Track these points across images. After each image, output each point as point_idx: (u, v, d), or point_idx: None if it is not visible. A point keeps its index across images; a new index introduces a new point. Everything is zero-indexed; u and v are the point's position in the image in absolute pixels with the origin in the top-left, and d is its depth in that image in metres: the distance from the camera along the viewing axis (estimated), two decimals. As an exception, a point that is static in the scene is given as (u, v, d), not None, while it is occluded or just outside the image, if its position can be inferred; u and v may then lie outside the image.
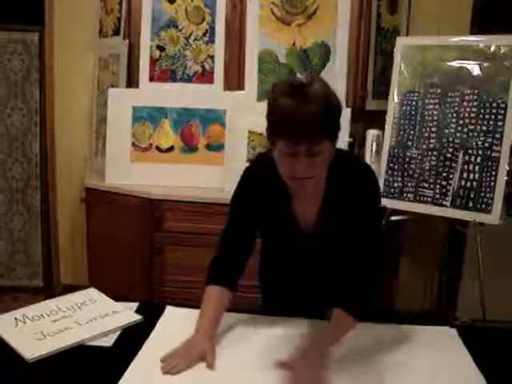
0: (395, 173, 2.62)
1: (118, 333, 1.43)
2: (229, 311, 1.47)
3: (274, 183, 1.40)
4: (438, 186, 2.50)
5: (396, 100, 2.63)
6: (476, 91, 2.43)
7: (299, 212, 1.46)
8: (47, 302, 1.59)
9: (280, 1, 2.74)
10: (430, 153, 2.53)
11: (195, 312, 1.44)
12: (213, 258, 1.50)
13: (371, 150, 2.63)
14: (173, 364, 1.25)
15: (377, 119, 2.74)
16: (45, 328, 1.42)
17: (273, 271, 1.64)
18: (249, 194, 1.49)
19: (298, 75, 1.16)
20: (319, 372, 1.23)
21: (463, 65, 2.47)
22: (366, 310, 1.37)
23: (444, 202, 2.49)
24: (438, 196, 2.50)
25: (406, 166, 2.59)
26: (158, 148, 2.89)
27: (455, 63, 2.49)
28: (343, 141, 2.69)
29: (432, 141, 2.53)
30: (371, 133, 2.67)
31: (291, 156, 1.27)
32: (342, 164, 1.40)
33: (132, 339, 1.39)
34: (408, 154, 2.59)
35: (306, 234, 1.47)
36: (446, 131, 2.49)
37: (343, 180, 1.40)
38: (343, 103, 2.71)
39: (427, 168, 2.54)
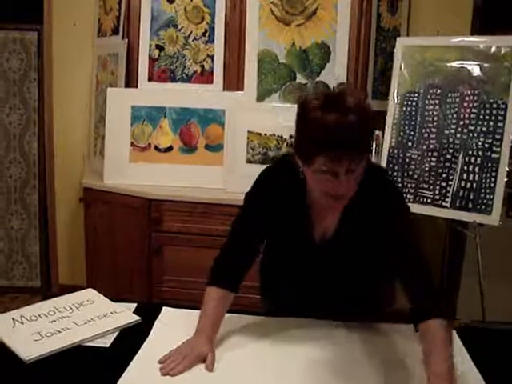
0: (395, 173, 2.61)
1: (116, 333, 1.42)
2: (229, 312, 1.46)
3: (293, 190, 1.36)
4: (437, 187, 2.50)
5: (396, 100, 2.62)
6: (476, 92, 2.42)
7: (316, 223, 1.43)
8: (45, 302, 1.59)
9: (280, 1, 2.74)
10: (429, 153, 2.53)
11: (191, 313, 1.44)
12: (216, 258, 1.47)
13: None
14: (172, 365, 1.24)
15: (377, 120, 2.73)
16: (42, 328, 1.41)
17: (277, 276, 1.60)
18: (264, 196, 1.44)
19: (331, 86, 1.12)
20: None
21: (463, 65, 2.47)
22: (441, 306, 1.30)
23: (444, 203, 2.48)
24: (437, 197, 2.50)
25: (405, 166, 2.59)
26: (156, 148, 2.89)
27: (455, 64, 2.49)
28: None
29: (432, 141, 2.53)
30: (371, 133, 2.66)
31: (331, 174, 1.20)
32: (366, 177, 1.30)
33: (130, 340, 1.38)
34: (408, 154, 2.58)
35: (319, 245, 1.44)
36: (446, 132, 2.49)
37: (365, 193, 1.32)
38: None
39: (427, 169, 2.53)
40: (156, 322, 1.50)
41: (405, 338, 1.44)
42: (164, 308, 1.58)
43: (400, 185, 2.59)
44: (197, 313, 1.45)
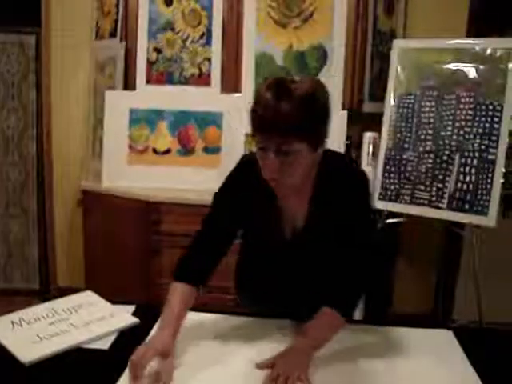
0: (392, 175, 2.62)
1: (115, 336, 1.42)
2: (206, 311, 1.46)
3: (261, 186, 1.35)
4: (434, 189, 2.51)
5: (392, 102, 2.63)
6: (472, 94, 2.43)
7: (286, 217, 1.43)
8: (44, 304, 1.58)
9: (277, 3, 2.75)
10: (426, 155, 2.54)
11: (192, 315, 1.44)
12: (183, 253, 1.44)
13: (368, 153, 2.63)
14: (135, 367, 1.17)
15: (373, 122, 2.74)
16: (41, 331, 1.41)
17: (251, 273, 1.60)
18: (231, 194, 1.45)
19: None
20: (305, 358, 1.25)
21: (459, 67, 2.48)
22: (352, 309, 1.37)
23: (440, 205, 2.49)
24: (434, 198, 2.51)
25: (402, 168, 2.60)
26: (154, 150, 2.89)
27: (451, 66, 2.50)
28: (340, 143, 2.70)
29: (428, 143, 2.53)
30: (368, 135, 2.68)
31: (263, 151, 1.25)
32: (331, 165, 1.38)
33: (129, 342, 1.38)
34: (404, 156, 2.59)
35: (290, 239, 1.44)
36: (443, 134, 2.50)
37: (332, 181, 1.37)
38: (339, 105, 2.73)
39: (423, 170, 2.54)
40: (156, 324, 1.50)
41: (401, 341, 1.45)
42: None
43: (397, 186, 2.60)
44: (197, 315, 1.46)
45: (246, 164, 1.45)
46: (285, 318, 1.51)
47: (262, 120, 1.22)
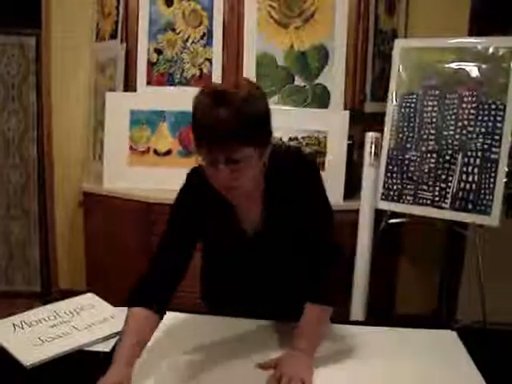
0: (394, 175, 2.61)
1: (117, 338, 1.41)
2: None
3: (212, 192, 1.30)
4: (437, 188, 2.50)
5: (395, 102, 2.63)
6: (474, 93, 2.43)
7: (243, 217, 1.41)
8: (45, 307, 1.58)
9: (277, 4, 2.74)
10: (429, 155, 2.53)
11: (196, 317, 1.43)
12: (140, 276, 1.37)
13: (370, 153, 2.62)
14: None
15: (375, 121, 2.73)
16: (43, 333, 1.41)
17: (218, 280, 1.57)
18: (186, 207, 1.42)
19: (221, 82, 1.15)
20: (308, 359, 1.26)
21: (461, 67, 2.47)
22: (332, 295, 1.36)
23: (443, 204, 2.48)
24: (437, 198, 2.50)
25: (405, 168, 2.59)
26: (155, 151, 2.89)
27: (453, 65, 2.49)
28: (342, 143, 2.69)
29: (431, 143, 2.53)
30: (370, 135, 2.66)
31: (212, 165, 1.21)
32: (279, 161, 1.34)
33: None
34: (407, 156, 2.58)
35: (251, 238, 1.42)
36: (445, 133, 2.49)
37: (282, 176, 1.35)
38: (341, 105, 2.73)
39: (426, 170, 2.53)
40: (160, 325, 1.49)
41: (405, 342, 1.44)
42: (167, 312, 1.58)
43: (399, 186, 2.60)
44: (199, 317, 1.45)
45: (194, 178, 1.43)
46: (257, 318, 1.51)
47: (204, 133, 1.18)
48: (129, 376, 1.19)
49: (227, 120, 1.14)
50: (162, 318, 1.34)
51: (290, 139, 2.72)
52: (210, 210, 1.40)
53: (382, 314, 2.85)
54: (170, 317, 1.48)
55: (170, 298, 1.36)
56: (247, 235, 1.42)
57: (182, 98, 2.84)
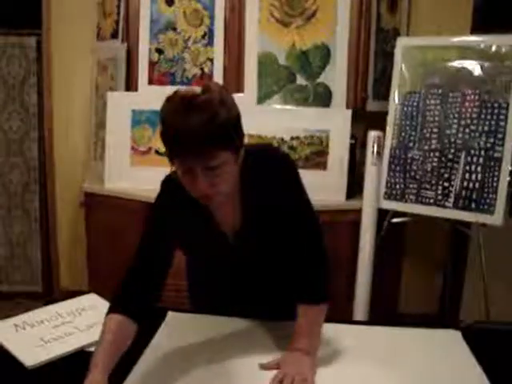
0: (397, 174, 2.60)
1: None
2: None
3: (188, 201, 1.28)
4: (440, 187, 2.49)
5: (397, 101, 2.62)
6: (477, 91, 2.41)
7: (222, 221, 1.38)
8: (47, 307, 1.58)
9: (279, 2, 2.73)
10: (431, 154, 2.52)
11: (198, 317, 1.43)
12: (119, 282, 1.35)
13: (372, 152, 2.61)
14: None
15: (378, 120, 2.72)
16: (45, 334, 1.41)
17: (204, 285, 1.57)
18: (163, 215, 1.40)
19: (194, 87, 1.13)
20: (310, 360, 1.26)
21: (464, 65, 2.46)
22: (325, 291, 1.35)
23: (446, 203, 2.47)
24: (440, 197, 2.49)
25: (407, 167, 2.58)
26: (157, 151, 2.88)
27: (456, 63, 2.48)
28: (344, 142, 2.68)
29: (433, 142, 2.52)
30: (372, 134, 2.65)
31: (189, 174, 1.18)
32: (252, 158, 1.30)
33: (132, 345, 1.36)
34: (410, 155, 2.58)
35: (233, 241, 1.40)
36: (448, 132, 2.48)
37: (257, 173, 1.32)
38: (343, 104, 2.72)
39: (429, 169, 2.52)
40: (161, 326, 1.49)
41: (408, 341, 1.44)
42: (170, 312, 1.57)
43: (402, 185, 2.59)
44: (202, 317, 1.44)
45: (169, 186, 1.40)
46: (245, 317, 1.51)
47: (179, 142, 1.14)
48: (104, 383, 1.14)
49: (202, 126, 1.11)
50: (140, 325, 1.29)
51: (292, 138, 2.72)
52: (188, 217, 1.37)
53: (385, 313, 2.84)
54: (170, 317, 1.48)
55: (149, 304, 1.34)
56: (227, 237, 1.40)
57: (183, 98, 2.85)
